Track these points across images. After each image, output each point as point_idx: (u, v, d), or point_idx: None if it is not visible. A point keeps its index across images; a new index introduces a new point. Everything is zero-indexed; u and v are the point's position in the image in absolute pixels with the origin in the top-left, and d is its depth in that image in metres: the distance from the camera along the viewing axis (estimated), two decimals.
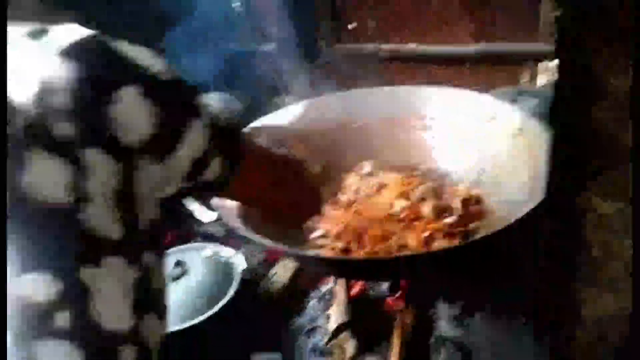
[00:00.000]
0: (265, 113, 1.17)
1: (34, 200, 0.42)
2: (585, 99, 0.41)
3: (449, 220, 0.99)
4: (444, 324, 0.93)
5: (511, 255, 0.96)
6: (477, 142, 1.13)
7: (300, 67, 1.60)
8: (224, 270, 1.03)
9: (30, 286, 0.42)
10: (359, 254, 0.99)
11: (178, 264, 0.99)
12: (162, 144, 0.49)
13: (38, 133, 0.42)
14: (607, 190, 0.43)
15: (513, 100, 1.16)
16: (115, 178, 0.45)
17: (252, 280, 1.06)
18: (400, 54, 1.64)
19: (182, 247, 1.09)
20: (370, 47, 1.61)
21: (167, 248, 1.07)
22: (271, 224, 0.98)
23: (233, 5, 1.60)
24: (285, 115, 1.18)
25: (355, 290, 1.01)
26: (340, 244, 1.02)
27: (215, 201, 0.85)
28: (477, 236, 0.98)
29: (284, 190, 0.73)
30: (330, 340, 0.91)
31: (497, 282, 0.97)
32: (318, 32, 1.69)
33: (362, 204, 1.03)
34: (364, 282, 1.02)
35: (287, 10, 1.56)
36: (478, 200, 1.05)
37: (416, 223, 0.99)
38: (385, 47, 1.62)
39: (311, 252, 1.00)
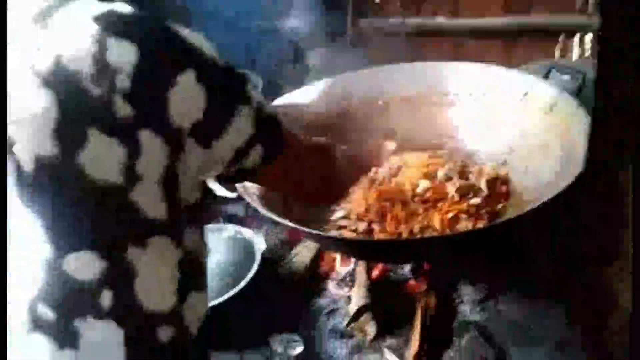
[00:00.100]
0: (287, 91, 1.15)
1: (88, 179, 0.42)
2: (630, 73, 0.38)
3: (474, 201, 0.96)
4: (468, 308, 0.91)
5: (539, 237, 0.93)
6: (506, 120, 1.09)
7: (324, 43, 1.57)
8: (245, 250, 1.02)
9: (76, 264, 0.43)
10: (381, 235, 0.97)
11: None
12: (210, 129, 0.49)
13: (98, 113, 0.42)
14: None
15: (545, 76, 1.10)
16: (164, 160, 0.45)
17: (272, 261, 1.05)
18: (427, 28, 1.59)
19: None
20: (395, 21, 1.56)
21: None
22: (293, 204, 0.97)
23: None
24: (306, 94, 1.15)
25: (377, 272, 0.99)
26: (362, 225, 1.00)
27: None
28: (504, 218, 0.95)
29: (315, 178, 0.71)
30: (350, 322, 0.90)
31: (523, 265, 0.94)
32: (342, 6, 1.64)
33: (384, 184, 1.01)
34: (386, 264, 1.00)
35: None
36: (505, 181, 1.02)
37: (440, 204, 0.96)
38: (412, 21, 1.57)
39: (332, 234, 0.99)
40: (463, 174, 1.01)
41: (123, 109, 0.42)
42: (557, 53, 1.36)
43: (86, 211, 0.43)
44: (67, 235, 0.43)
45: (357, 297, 0.93)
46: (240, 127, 0.52)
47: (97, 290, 0.43)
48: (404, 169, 1.03)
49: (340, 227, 1.01)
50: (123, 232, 0.44)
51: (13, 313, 0.44)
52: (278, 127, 0.58)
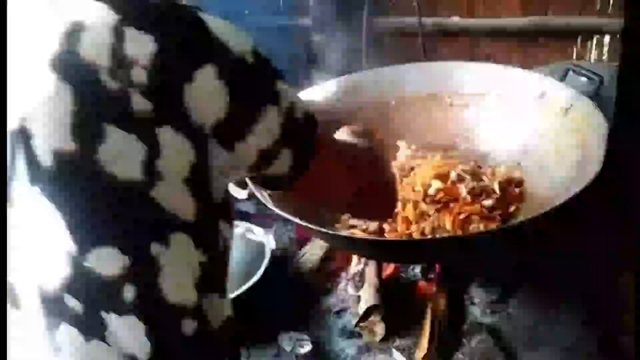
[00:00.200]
0: (300, 89, 1.14)
1: (108, 175, 0.41)
2: None
3: (486, 202, 0.95)
4: (478, 310, 0.90)
5: (554, 238, 0.91)
6: (521, 121, 1.08)
7: (340, 42, 1.56)
8: (255, 248, 1.02)
9: (99, 260, 0.42)
10: (391, 235, 0.97)
11: None
12: (233, 130, 0.46)
13: (116, 107, 0.41)
14: None
15: (562, 77, 1.09)
16: (186, 158, 0.43)
17: (282, 259, 1.05)
18: (444, 28, 1.57)
19: None
20: (412, 20, 1.55)
21: None
22: (304, 203, 0.96)
23: None
24: (320, 92, 1.15)
25: (387, 272, 0.99)
26: (372, 225, 1.00)
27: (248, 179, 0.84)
28: (516, 220, 0.94)
29: (368, 189, 0.63)
30: (359, 322, 0.90)
31: (534, 268, 0.93)
32: (358, 5, 1.63)
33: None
34: (397, 264, 1.00)
35: None
36: (519, 183, 1.01)
37: (452, 205, 0.95)
38: (428, 20, 1.56)
39: (343, 233, 0.98)
40: (476, 175, 1.00)
41: (140, 104, 0.41)
42: (574, 55, 1.34)
43: (107, 207, 0.42)
44: (88, 230, 0.42)
45: (367, 297, 0.92)
46: (266, 127, 0.48)
47: (120, 285, 0.43)
48: (417, 169, 1.02)
49: (351, 227, 1.01)
50: (145, 228, 0.43)
51: (30, 303, 0.43)
52: (312, 130, 0.53)
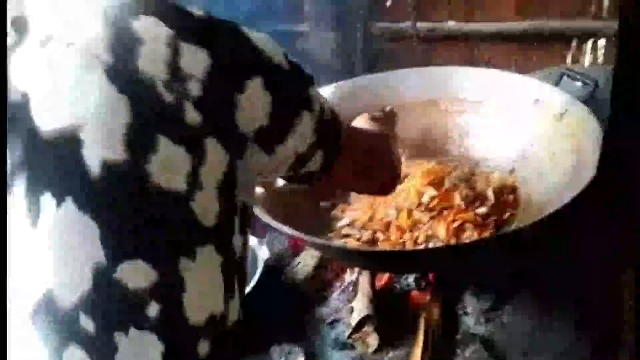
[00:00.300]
0: None
1: (154, 186, 0.41)
2: None
3: (480, 210, 0.94)
4: (472, 320, 0.89)
5: (548, 244, 0.90)
6: (515, 127, 1.06)
7: (335, 47, 1.55)
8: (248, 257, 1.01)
9: (129, 273, 0.41)
10: (385, 245, 0.95)
11: None
12: (274, 134, 0.49)
13: (169, 119, 0.42)
14: None
15: (556, 82, 1.08)
16: (224, 166, 0.45)
17: (275, 269, 1.04)
18: (439, 33, 1.56)
19: None
20: (407, 25, 1.54)
21: None
22: (296, 212, 0.95)
23: None
24: None
25: (381, 282, 0.98)
26: (366, 234, 0.98)
27: None
28: (510, 227, 0.93)
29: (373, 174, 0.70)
30: (352, 333, 0.89)
31: (528, 276, 0.92)
32: (354, 10, 1.62)
33: None
34: (390, 274, 0.99)
35: None
36: (513, 189, 0.99)
37: (446, 212, 0.94)
38: (423, 25, 1.55)
39: (336, 243, 0.97)
40: (470, 182, 0.99)
41: (192, 116, 0.42)
42: (569, 59, 1.33)
43: (148, 219, 0.42)
44: (123, 242, 0.41)
45: (360, 307, 0.91)
46: (303, 131, 0.51)
47: (145, 300, 0.42)
48: (410, 176, 1.01)
49: (345, 236, 1.00)
50: (178, 241, 0.43)
51: (36, 320, 0.41)
52: (338, 129, 0.58)
